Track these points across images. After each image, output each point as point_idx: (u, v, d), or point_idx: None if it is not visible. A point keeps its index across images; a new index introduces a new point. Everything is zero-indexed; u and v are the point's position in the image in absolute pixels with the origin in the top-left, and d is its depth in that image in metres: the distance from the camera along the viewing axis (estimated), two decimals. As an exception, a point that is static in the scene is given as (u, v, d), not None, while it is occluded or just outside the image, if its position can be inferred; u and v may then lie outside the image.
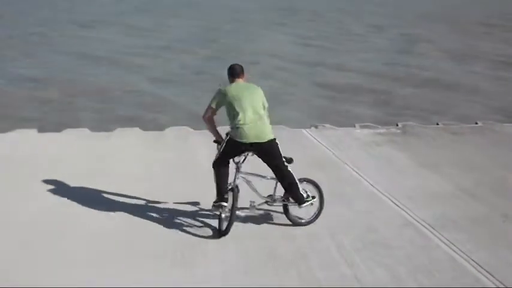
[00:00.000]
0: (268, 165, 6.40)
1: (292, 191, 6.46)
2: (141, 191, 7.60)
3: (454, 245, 6.33)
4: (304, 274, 5.63)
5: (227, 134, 6.34)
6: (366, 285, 5.45)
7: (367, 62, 22.99)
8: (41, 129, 10.76)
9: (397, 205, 7.44)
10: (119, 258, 5.86)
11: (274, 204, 6.75)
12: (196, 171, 8.45)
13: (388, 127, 11.63)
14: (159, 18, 38.38)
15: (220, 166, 6.35)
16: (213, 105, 6.35)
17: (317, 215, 6.78)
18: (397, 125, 11.80)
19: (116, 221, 6.73)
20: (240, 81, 6.48)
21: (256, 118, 6.17)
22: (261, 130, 6.16)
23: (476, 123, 12.13)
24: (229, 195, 6.38)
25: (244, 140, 6.10)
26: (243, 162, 6.54)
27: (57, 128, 11.08)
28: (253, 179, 6.67)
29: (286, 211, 6.70)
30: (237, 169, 6.51)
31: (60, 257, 5.83)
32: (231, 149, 6.28)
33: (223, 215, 6.40)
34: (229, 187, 6.44)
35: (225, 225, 6.35)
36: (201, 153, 9.35)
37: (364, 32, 33.32)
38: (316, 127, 11.44)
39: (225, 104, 6.28)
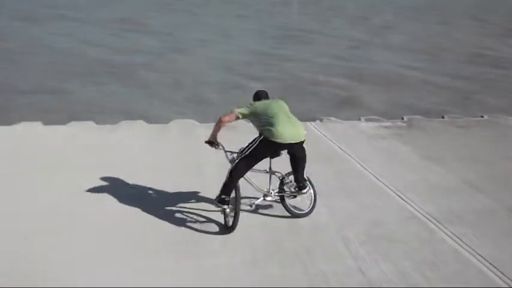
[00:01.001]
0: (293, 160, 6.58)
1: (303, 181, 6.67)
2: (146, 183, 7.64)
3: (459, 239, 6.34)
4: (309, 266, 5.65)
5: (260, 135, 6.38)
6: (371, 278, 5.47)
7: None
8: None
9: (402, 198, 7.44)
10: (125, 250, 5.89)
11: (273, 196, 6.82)
12: (201, 163, 8.47)
13: (393, 120, 11.62)
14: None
15: (246, 165, 6.41)
16: (239, 115, 6.51)
17: (313, 206, 6.88)
18: (402, 118, 11.79)
19: (121, 214, 6.75)
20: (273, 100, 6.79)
21: (289, 121, 6.37)
22: (296, 132, 6.32)
23: (482, 117, 12.12)
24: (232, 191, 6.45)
25: (279, 140, 6.20)
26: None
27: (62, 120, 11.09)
28: (249, 175, 6.67)
29: (283, 202, 6.81)
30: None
31: (66, 250, 5.85)
32: (264, 148, 6.35)
33: (227, 211, 6.43)
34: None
35: (231, 220, 6.38)
36: (206, 146, 9.36)
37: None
38: (321, 120, 11.44)
39: (256, 114, 6.47)
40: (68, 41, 20.95)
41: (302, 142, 6.42)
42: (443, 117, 12.03)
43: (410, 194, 7.56)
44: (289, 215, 6.73)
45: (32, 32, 22.77)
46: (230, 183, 6.35)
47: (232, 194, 6.38)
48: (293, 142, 6.28)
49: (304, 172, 6.69)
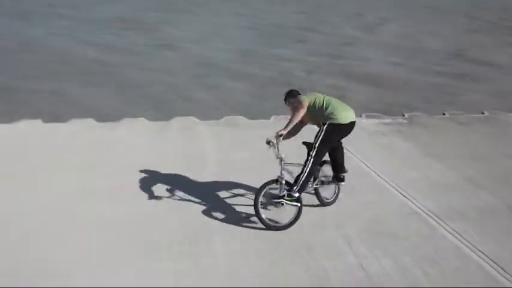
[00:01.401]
0: (338, 148, 7.01)
1: (344, 171, 7.05)
2: (147, 181, 7.65)
3: (460, 235, 6.36)
4: (310, 263, 5.67)
5: (328, 124, 6.54)
6: (372, 274, 5.49)
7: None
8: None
9: (403, 195, 7.47)
10: (124, 248, 5.90)
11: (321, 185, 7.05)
12: (203, 161, 8.49)
13: (394, 117, 11.62)
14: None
15: (323, 151, 6.65)
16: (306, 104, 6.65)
17: (337, 194, 7.19)
18: (403, 115, 11.80)
19: (121, 212, 6.76)
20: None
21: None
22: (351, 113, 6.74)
23: (483, 113, 12.12)
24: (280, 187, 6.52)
25: (350, 120, 6.66)
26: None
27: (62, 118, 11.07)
28: (294, 169, 6.88)
29: (317, 193, 7.00)
30: (281, 162, 6.55)
31: (66, 249, 5.86)
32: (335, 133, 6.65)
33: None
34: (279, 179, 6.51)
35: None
36: (208, 143, 9.41)
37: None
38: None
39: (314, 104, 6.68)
40: (65, 40, 20.86)
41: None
42: (444, 114, 12.04)
43: (411, 191, 7.58)
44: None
45: (26, 31, 22.67)
46: (312, 173, 6.60)
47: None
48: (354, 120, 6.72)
49: None
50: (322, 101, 6.67)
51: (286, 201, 6.43)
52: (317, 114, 6.64)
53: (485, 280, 5.48)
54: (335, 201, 7.15)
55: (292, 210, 6.46)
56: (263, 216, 6.37)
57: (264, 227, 6.38)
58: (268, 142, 6.54)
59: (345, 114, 6.61)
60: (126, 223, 6.47)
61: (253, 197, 6.64)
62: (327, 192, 7.13)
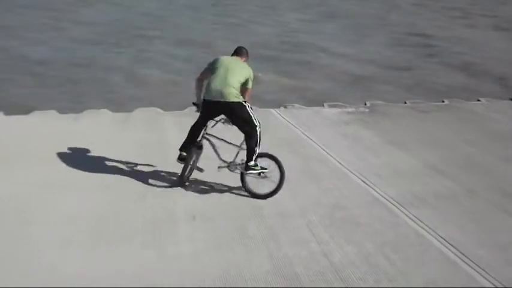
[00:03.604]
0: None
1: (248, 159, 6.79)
2: (109, 172, 7.54)
3: (421, 221, 6.45)
4: (273, 251, 5.66)
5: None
6: (335, 261, 5.51)
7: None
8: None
9: (365, 183, 7.53)
10: (88, 241, 5.78)
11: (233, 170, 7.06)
12: (166, 151, 8.40)
13: (356, 106, 11.71)
14: None
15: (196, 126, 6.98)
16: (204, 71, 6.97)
17: (275, 190, 6.86)
18: (365, 104, 11.90)
19: (84, 204, 6.63)
20: (237, 58, 7.04)
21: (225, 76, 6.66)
22: (222, 89, 6.59)
23: (443, 101, 12.32)
24: (194, 151, 7.03)
25: (207, 98, 6.69)
26: (212, 126, 7.07)
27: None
28: (217, 143, 7.07)
29: (243, 180, 6.96)
30: (205, 129, 6.99)
31: (27, 242, 5.72)
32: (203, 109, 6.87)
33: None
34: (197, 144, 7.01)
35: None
36: (170, 134, 9.32)
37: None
38: (285, 107, 11.47)
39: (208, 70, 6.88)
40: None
41: (232, 103, 6.59)
42: (405, 103, 12.20)
43: (373, 178, 7.65)
44: (252, 202, 6.75)
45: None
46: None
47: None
48: (219, 100, 6.57)
49: (255, 149, 6.73)
50: (214, 73, 6.80)
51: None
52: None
53: (446, 264, 5.56)
54: (269, 196, 6.96)
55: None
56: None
57: (226, 215, 6.41)
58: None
59: (209, 90, 6.70)
60: (88, 215, 6.33)
61: (216, 185, 6.63)
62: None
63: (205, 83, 6.89)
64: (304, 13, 30.80)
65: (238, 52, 7.13)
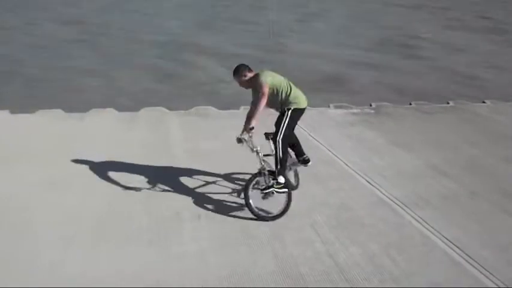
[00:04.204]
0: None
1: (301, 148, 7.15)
2: (115, 171, 7.59)
3: (426, 222, 6.49)
4: (278, 251, 5.71)
5: (293, 110, 6.60)
6: (340, 262, 5.57)
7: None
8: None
9: (370, 184, 7.58)
10: (90, 241, 5.84)
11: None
12: (171, 151, 8.47)
13: (362, 107, 11.75)
14: None
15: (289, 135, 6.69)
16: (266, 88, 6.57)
17: (299, 178, 7.21)
18: (370, 105, 11.94)
19: (90, 203, 6.69)
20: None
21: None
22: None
23: (448, 103, 12.35)
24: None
25: (307, 104, 6.80)
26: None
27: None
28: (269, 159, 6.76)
29: None
30: (258, 154, 6.54)
31: (28, 241, 5.78)
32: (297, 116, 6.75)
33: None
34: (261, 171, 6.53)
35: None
36: (176, 134, 9.39)
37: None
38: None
39: (274, 84, 6.61)
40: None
41: None
42: (410, 104, 12.23)
43: (378, 179, 7.70)
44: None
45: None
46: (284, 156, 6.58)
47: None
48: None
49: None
50: (285, 86, 6.59)
51: (276, 190, 6.46)
52: (278, 98, 6.59)
53: (450, 266, 5.60)
54: (298, 186, 7.18)
55: (282, 199, 6.49)
56: (255, 209, 6.42)
57: (231, 215, 6.44)
58: (239, 140, 6.53)
59: (304, 99, 6.72)
60: (94, 214, 6.40)
61: (223, 185, 6.66)
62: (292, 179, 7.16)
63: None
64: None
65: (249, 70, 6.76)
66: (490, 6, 38.34)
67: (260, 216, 6.39)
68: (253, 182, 6.49)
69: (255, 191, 6.54)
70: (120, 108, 10.97)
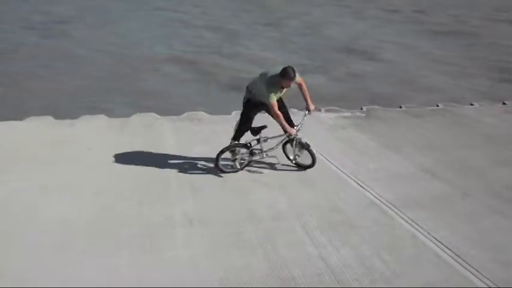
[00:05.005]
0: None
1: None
2: (105, 177, 7.59)
3: (416, 224, 6.54)
4: (270, 254, 5.74)
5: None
6: (332, 264, 5.60)
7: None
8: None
9: (361, 186, 7.61)
10: (84, 246, 5.84)
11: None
12: (162, 155, 8.46)
13: (352, 111, 11.79)
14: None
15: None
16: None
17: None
18: (361, 109, 11.99)
19: (80, 209, 6.68)
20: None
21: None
22: None
23: (438, 106, 12.43)
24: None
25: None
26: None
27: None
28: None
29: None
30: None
31: (22, 246, 5.77)
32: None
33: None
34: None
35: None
36: (167, 139, 9.38)
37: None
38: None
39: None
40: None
41: None
42: (400, 107, 12.29)
43: (369, 182, 7.74)
44: (249, 205, 6.84)
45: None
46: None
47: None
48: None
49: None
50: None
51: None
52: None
53: (441, 266, 5.65)
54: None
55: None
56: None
57: (223, 219, 6.49)
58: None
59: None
60: (85, 221, 6.39)
61: (216, 189, 6.69)
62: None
63: None
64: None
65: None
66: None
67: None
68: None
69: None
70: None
